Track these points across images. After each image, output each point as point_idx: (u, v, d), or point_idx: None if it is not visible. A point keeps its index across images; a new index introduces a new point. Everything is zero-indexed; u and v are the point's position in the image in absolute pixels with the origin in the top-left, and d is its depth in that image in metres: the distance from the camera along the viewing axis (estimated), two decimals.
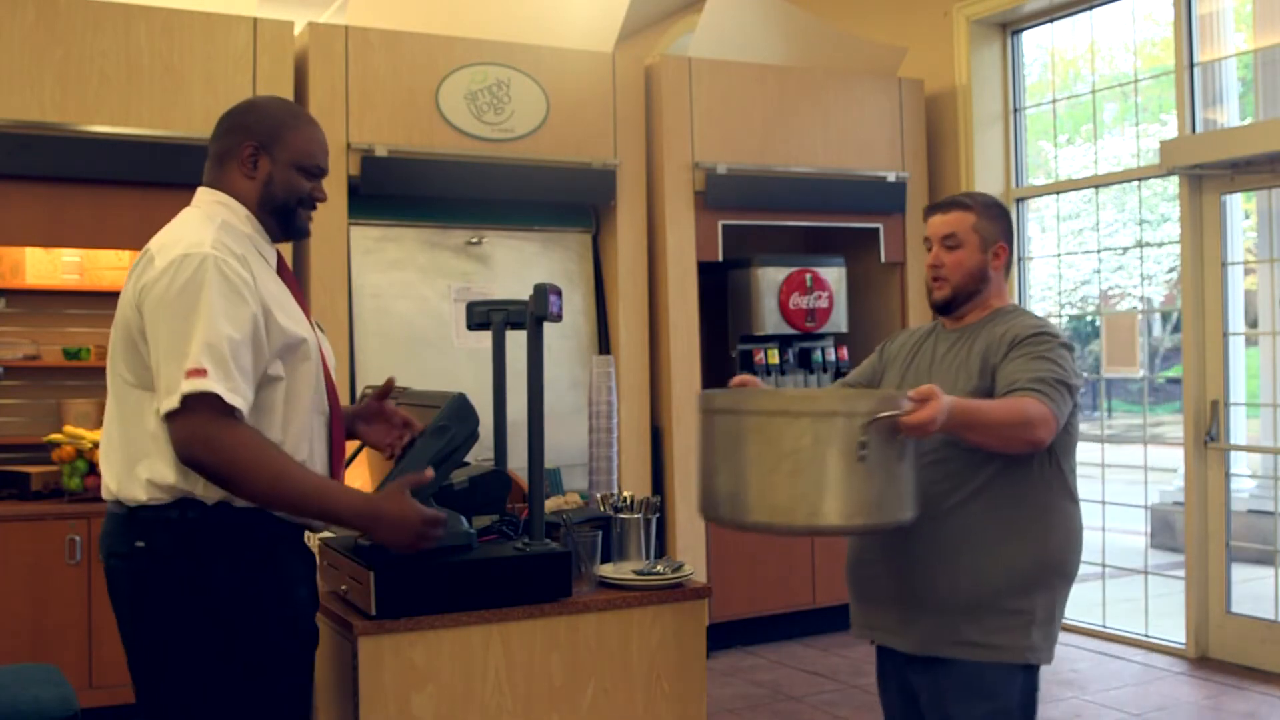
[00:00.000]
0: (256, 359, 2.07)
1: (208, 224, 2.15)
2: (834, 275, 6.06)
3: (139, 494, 2.06)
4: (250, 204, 2.23)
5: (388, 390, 2.47)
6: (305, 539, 2.29)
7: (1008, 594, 2.46)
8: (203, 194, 2.27)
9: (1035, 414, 2.34)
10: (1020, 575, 2.47)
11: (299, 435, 2.18)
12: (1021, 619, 2.46)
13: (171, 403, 1.97)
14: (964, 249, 2.63)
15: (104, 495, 2.16)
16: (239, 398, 2.01)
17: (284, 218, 2.27)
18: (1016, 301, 6.37)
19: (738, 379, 2.63)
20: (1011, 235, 2.69)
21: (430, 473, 2.23)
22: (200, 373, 1.97)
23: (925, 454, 2.46)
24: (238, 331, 2.03)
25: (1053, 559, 2.51)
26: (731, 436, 2.23)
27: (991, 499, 2.48)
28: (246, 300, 2.06)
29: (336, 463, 2.31)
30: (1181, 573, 5.53)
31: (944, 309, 2.68)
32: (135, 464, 2.07)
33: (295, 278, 2.32)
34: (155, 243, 2.16)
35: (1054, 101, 6.29)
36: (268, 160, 2.23)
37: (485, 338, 2.71)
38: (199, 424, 1.97)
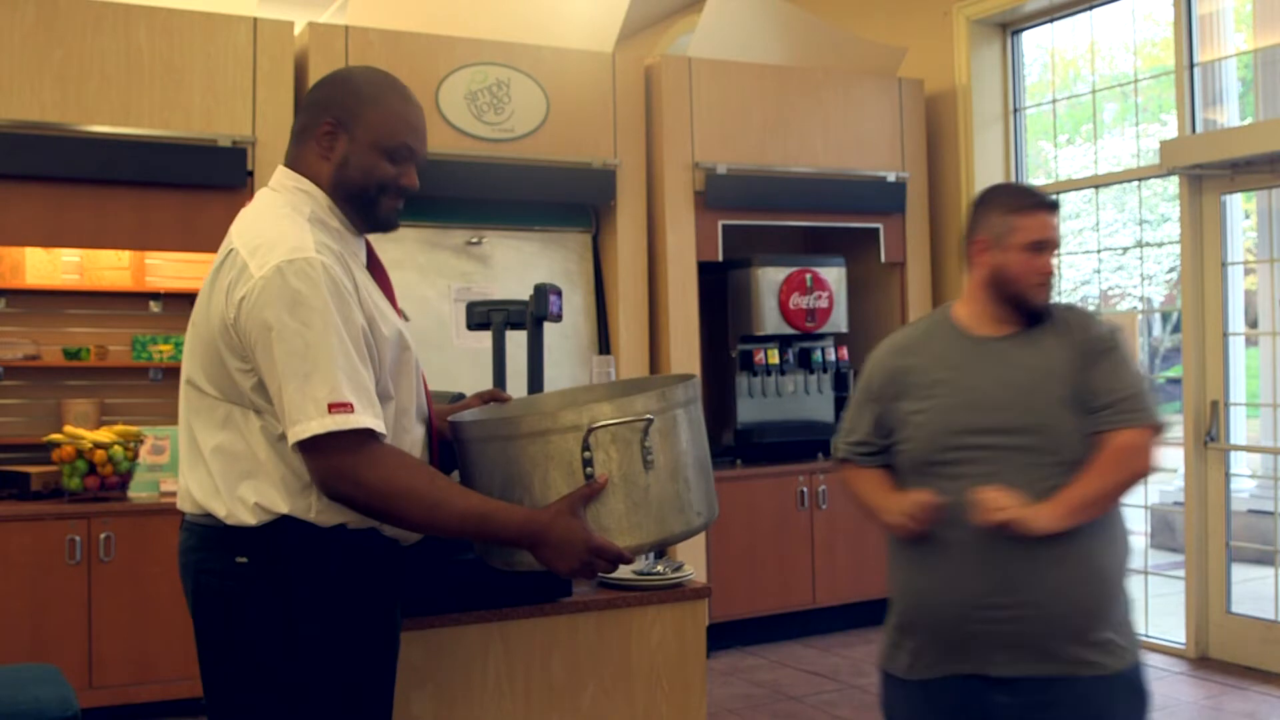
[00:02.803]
0: (375, 374, 1.94)
1: (297, 218, 1.95)
2: (834, 275, 6.06)
3: (246, 517, 1.91)
4: (326, 189, 2.01)
5: (494, 399, 2.32)
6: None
7: (1117, 598, 2.37)
8: (282, 175, 2.05)
9: (1142, 443, 2.34)
10: (1118, 575, 2.39)
11: (410, 450, 2.05)
12: (1128, 617, 2.41)
13: (304, 431, 1.83)
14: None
15: (184, 506, 2.02)
16: (381, 421, 1.89)
17: (363, 207, 2.03)
18: None
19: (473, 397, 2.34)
20: None
21: (604, 479, 1.94)
22: (345, 407, 1.83)
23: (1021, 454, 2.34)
24: (359, 349, 1.89)
25: (1125, 555, 2.44)
26: (467, 469, 2.07)
27: None
28: (356, 312, 1.91)
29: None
30: (1181, 573, 5.53)
31: (1039, 317, 2.47)
32: (237, 483, 1.92)
33: (385, 270, 2.12)
34: (241, 241, 1.93)
35: (1054, 101, 6.29)
36: (346, 139, 2.00)
37: (485, 338, 2.71)
38: (344, 460, 1.85)
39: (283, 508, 1.92)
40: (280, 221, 1.94)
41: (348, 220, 2.04)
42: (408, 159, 2.04)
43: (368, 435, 1.87)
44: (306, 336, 1.84)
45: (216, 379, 1.94)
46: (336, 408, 1.83)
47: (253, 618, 1.94)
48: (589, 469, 1.93)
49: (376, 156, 2.01)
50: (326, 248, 1.92)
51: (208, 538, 1.97)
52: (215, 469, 1.94)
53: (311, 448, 1.85)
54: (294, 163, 2.05)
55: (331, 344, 1.85)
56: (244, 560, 1.93)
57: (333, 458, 1.85)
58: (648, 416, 1.96)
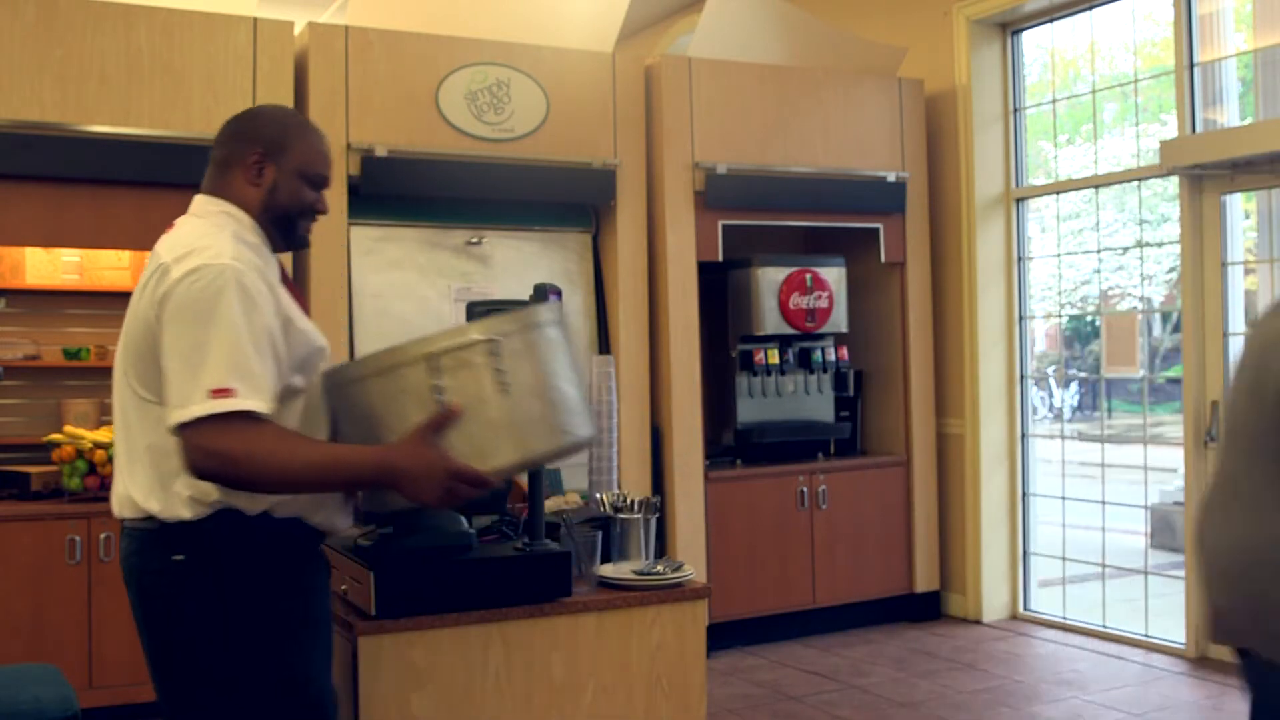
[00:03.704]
0: (277, 372, 2.04)
1: (221, 234, 2.10)
2: (834, 275, 6.06)
3: (182, 511, 2.02)
4: (254, 212, 2.20)
5: None
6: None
7: None
8: (205, 203, 2.23)
9: None
10: None
11: None
12: None
13: (185, 415, 1.92)
14: None
15: (123, 512, 2.11)
16: (266, 404, 1.97)
17: (286, 228, 2.24)
18: (1022, 306, 6.36)
19: None
20: None
21: (456, 406, 1.97)
22: (227, 392, 1.92)
23: None
24: (259, 346, 1.99)
25: None
26: (336, 423, 2.13)
27: None
28: (264, 313, 2.02)
29: None
30: (1181, 573, 5.53)
31: None
32: (172, 480, 2.02)
33: (297, 288, 2.28)
34: (168, 254, 2.08)
35: (1054, 101, 6.29)
36: (273, 168, 2.20)
37: None
38: (206, 436, 1.92)
39: (215, 494, 2.00)
40: (205, 235, 2.10)
41: (267, 240, 2.22)
42: (323, 185, 2.27)
43: (243, 416, 1.94)
44: (205, 333, 1.96)
45: (150, 382, 2.04)
46: (219, 393, 1.92)
47: (191, 614, 2.02)
48: (440, 396, 1.93)
49: (300, 183, 2.22)
50: (245, 258, 2.06)
51: (146, 540, 2.06)
52: (150, 466, 2.04)
53: (185, 430, 1.93)
54: (217, 190, 2.22)
55: (227, 340, 1.95)
56: (180, 558, 2.02)
57: (201, 438, 1.92)
58: (492, 337, 1.96)
